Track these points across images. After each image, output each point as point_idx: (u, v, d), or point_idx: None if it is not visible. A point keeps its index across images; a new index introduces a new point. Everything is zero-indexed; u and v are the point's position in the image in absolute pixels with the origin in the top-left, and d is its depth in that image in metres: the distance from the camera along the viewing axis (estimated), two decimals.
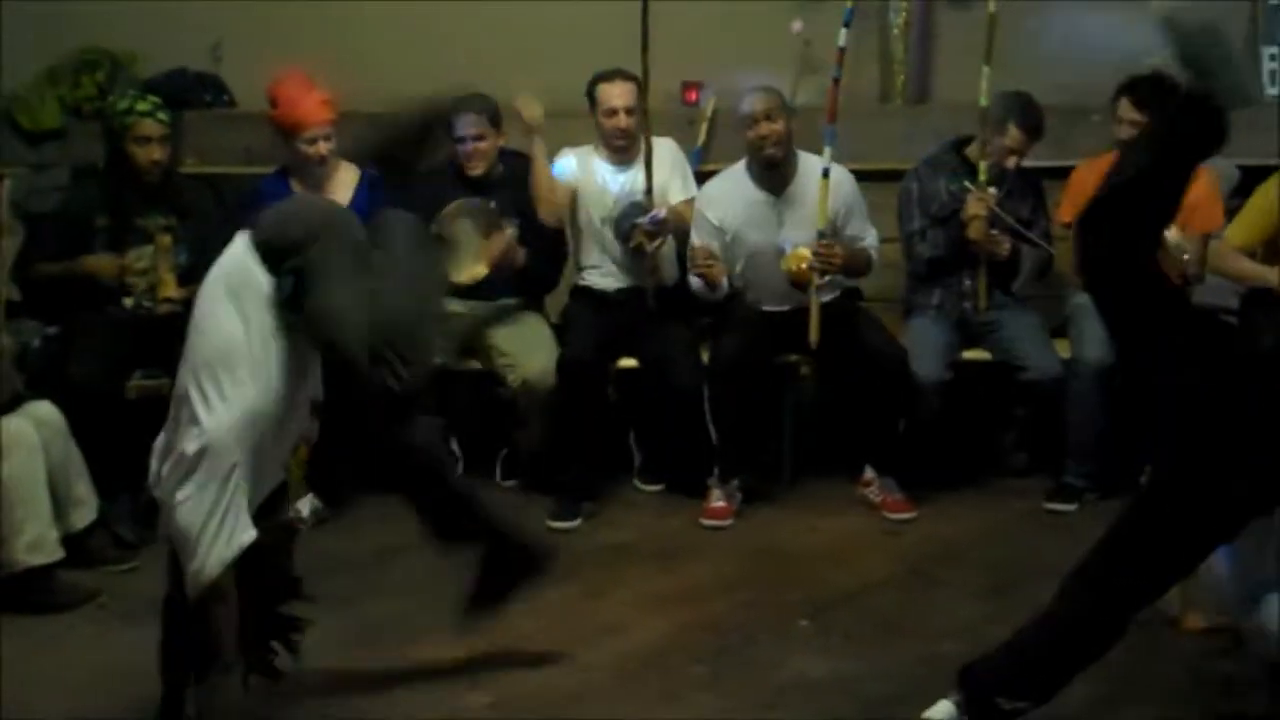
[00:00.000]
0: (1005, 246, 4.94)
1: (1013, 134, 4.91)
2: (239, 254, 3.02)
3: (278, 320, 2.95)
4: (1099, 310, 3.15)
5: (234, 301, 2.95)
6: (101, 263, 4.78)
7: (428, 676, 3.62)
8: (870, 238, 5.03)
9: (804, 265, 4.74)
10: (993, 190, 4.89)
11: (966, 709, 3.04)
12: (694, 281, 4.95)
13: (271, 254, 2.96)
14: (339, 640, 3.77)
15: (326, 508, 4.78)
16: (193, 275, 4.80)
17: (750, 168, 4.96)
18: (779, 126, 4.85)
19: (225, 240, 3.08)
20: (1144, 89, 4.82)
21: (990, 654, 3.10)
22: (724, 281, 4.88)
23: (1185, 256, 4.76)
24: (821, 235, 4.77)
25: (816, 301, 4.76)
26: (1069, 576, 3.04)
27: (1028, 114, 4.92)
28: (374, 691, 3.53)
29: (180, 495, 2.88)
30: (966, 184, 4.91)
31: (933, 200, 5.02)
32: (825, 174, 4.76)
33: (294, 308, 2.95)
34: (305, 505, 4.73)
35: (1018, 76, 5.02)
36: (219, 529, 2.88)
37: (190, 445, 2.88)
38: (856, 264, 4.96)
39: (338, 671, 3.59)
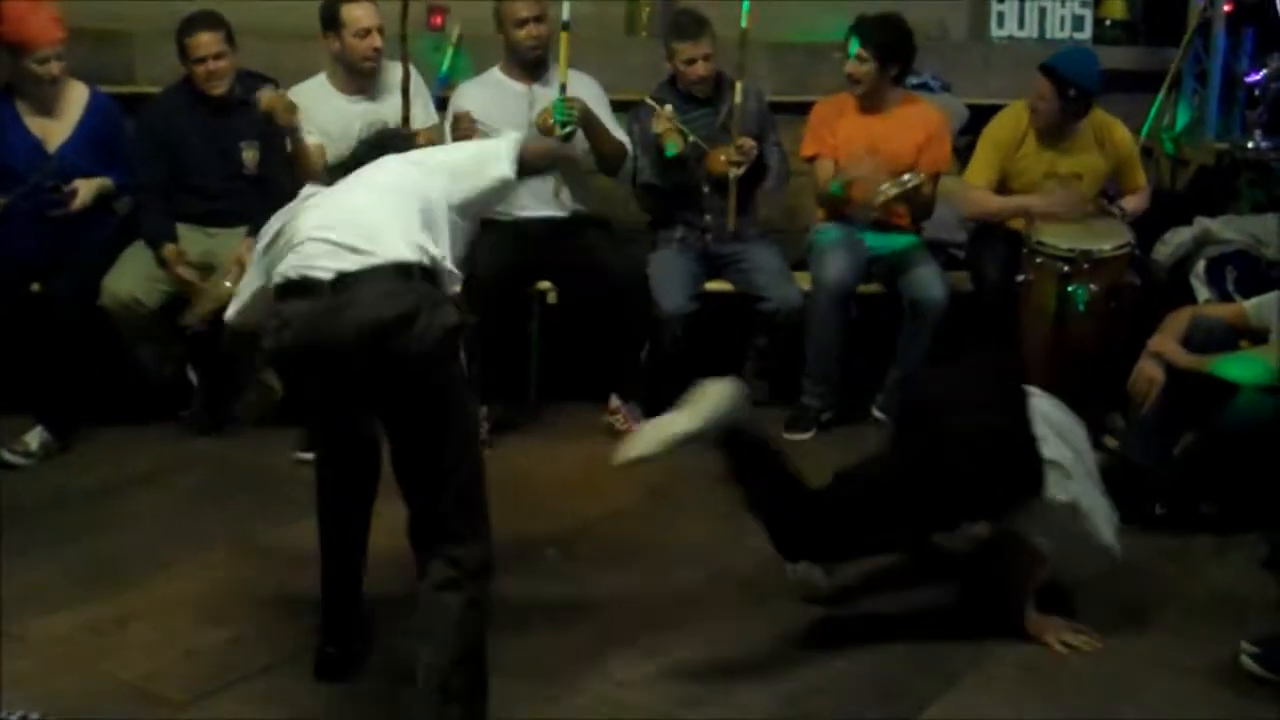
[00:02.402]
0: (732, 162, 4.96)
1: (679, 49, 5.00)
2: None
3: None
4: None
5: None
6: None
7: (162, 613, 3.54)
8: (621, 134, 5.08)
9: (547, 121, 4.81)
10: (669, 107, 4.93)
11: None
12: None
13: None
14: (68, 579, 3.68)
15: (55, 440, 4.61)
16: None
17: (506, 67, 5.06)
18: (544, 28, 4.93)
19: None
20: (871, 29, 4.98)
21: None
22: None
23: (907, 179, 4.89)
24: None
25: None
26: None
27: (680, 23, 5.04)
28: (103, 633, 3.43)
29: None
30: (648, 100, 5.00)
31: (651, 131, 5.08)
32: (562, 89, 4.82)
33: None
34: (33, 439, 4.56)
35: (763, 13, 5.08)
36: None
37: None
38: (609, 149, 5.04)
39: (64, 612, 3.49)
